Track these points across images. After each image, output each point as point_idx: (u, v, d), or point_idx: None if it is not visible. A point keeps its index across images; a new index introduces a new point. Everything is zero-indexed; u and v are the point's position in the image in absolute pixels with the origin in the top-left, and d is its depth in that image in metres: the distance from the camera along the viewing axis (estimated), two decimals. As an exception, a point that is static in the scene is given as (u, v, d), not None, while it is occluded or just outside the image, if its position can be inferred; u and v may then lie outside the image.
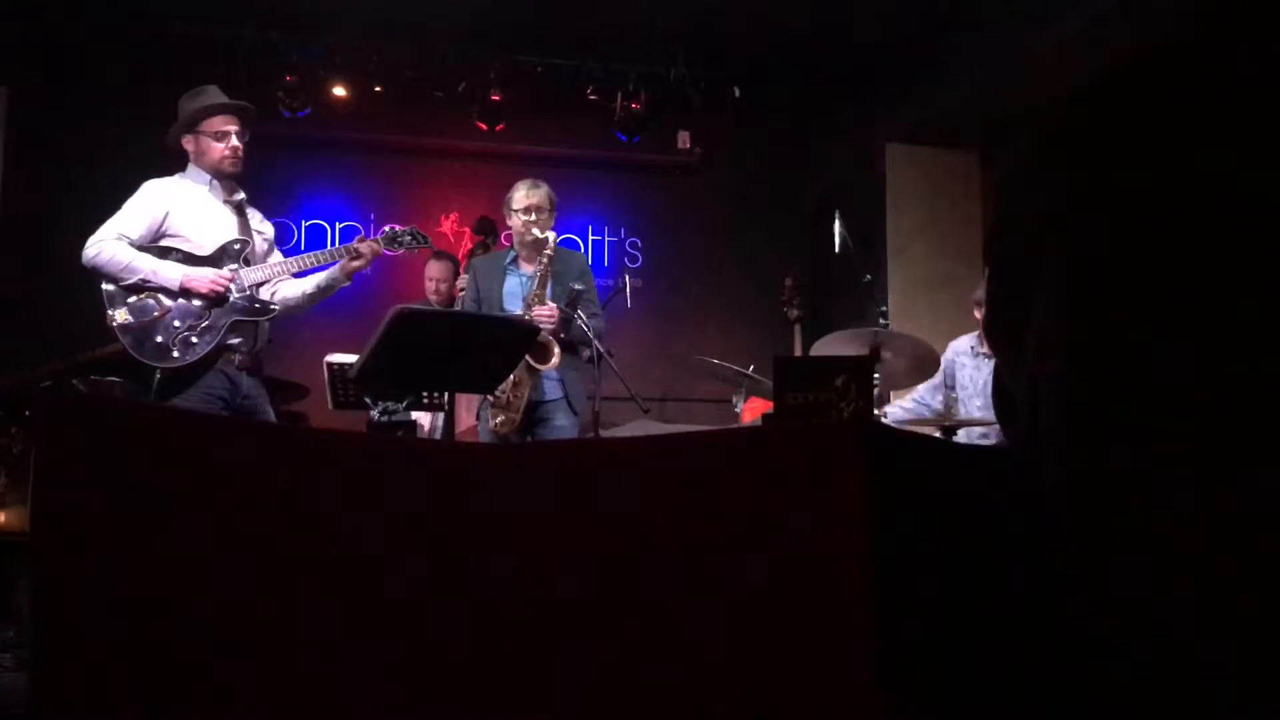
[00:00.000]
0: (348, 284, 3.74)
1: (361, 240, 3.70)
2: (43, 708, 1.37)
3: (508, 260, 4.23)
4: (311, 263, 3.72)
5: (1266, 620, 0.86)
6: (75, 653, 1.39)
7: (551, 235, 4.07)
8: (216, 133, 3.61)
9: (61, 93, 5.74)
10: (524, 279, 4.12)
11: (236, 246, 3.58)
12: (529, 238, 4.09)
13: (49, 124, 5.73)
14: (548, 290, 4.00)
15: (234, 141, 3.61)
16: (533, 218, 4.10)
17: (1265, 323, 0.87)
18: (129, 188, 3.70)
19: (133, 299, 3.41)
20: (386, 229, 3.91)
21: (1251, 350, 0.88)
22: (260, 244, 3.72)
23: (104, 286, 3.42)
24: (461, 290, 4.84)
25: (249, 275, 3.56)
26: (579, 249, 6.64)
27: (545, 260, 4.02)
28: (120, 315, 3.39)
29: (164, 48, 5.58)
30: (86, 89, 5.76)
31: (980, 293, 4.43)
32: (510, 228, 4.27)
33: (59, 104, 5.74)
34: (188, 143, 3.66)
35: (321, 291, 3.75)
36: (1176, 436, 0.90)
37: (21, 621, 3.78)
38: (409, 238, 3.85)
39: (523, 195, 4.14)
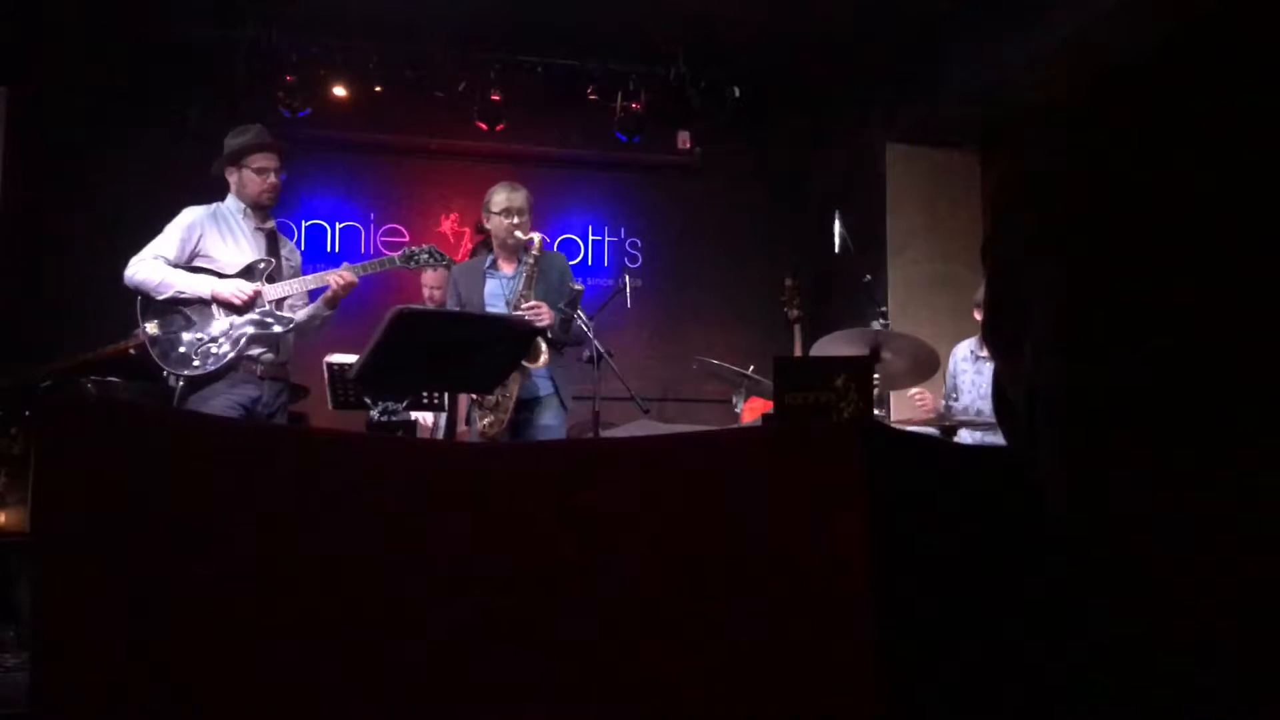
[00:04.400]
0: (331, 312, 3.97)
1: (342, 273, 3.88)
2: (44, 707, 1.37)
3: (487, 264, 4.23)
4: (315, 284, 3.93)
5: (1268, 620, 0.86)
6: (75, 653, 1.39)
7: (537, 236, 4.09)
8: (258, 168, 3.89)
9: (61, 93, 5.74)
10: (504, 280, 4.13)
11: (261, 266, 3.85)
12: (510, 240, 4.10)
13: (49, 124, 5.73)
14: (533, 291, 4.00)
15: (272, 179, 3.91)
16: (514, 220, 4.10)
17: (1266, 327, 0.87)
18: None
19: (162, 313, 3.69)
20: (405, 249, 4.09)
21: (1252, 353, 0.88)
22: (286, 270, 3.95)
23: (138, 302, 3.70)
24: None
25: (271, 291, 3.81)
26: (578, 250, 6.66)
27: (531, 261, 4.02)
28: (151, 327, 3.68)
29: (164, 48, 5.59)
30: (86, 89, 5.76)
31: (980, 295, 4.44)
32: (490, 230, 4.27)
33: (59, 104, 5.74)
34: (230, 175, 3.94)
35: (310, 321, 3.97)
36: (1175, 439, 0.90)
37: (21, 621, 3.78)
38: (426, 255, 4.03)
39: (503, 198, 4.14)
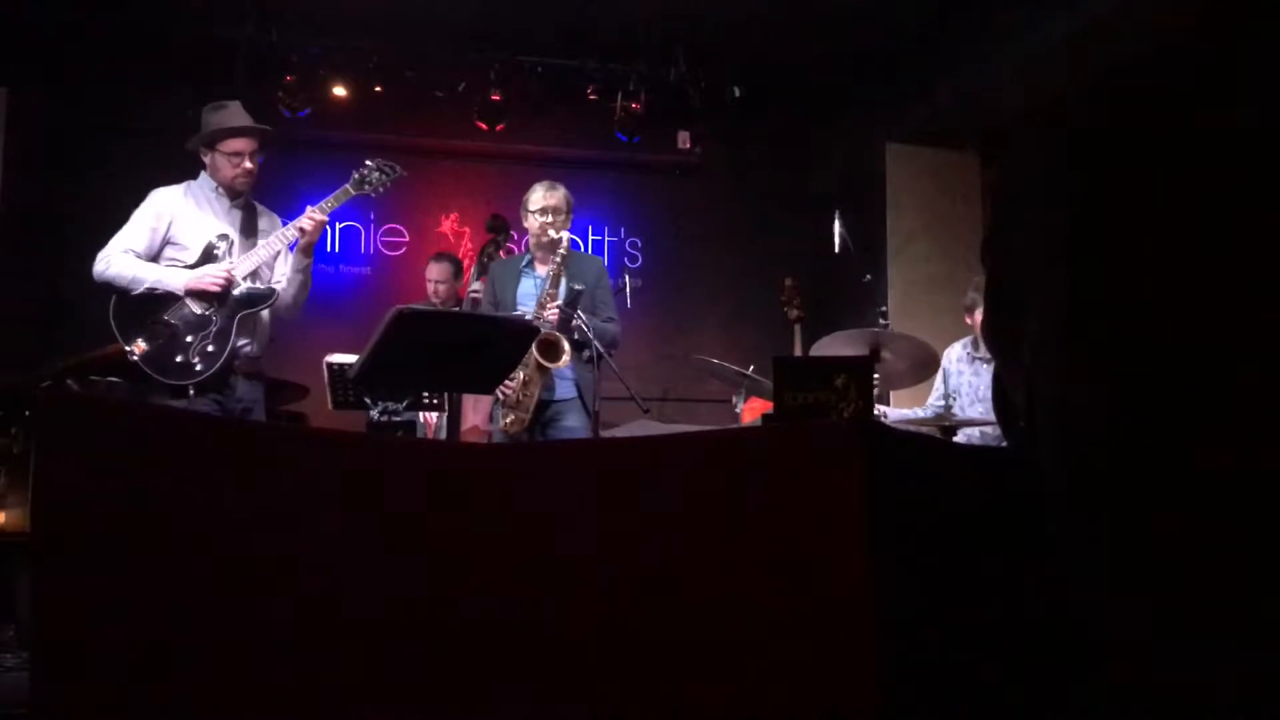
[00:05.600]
0: (309, 260, 3.73)
1: (308, 214, 3.64)
2: (43, 707, 1.37)
3: (524, 263, 4.23)
4: (282, 243, 3.68)
5: (1265, 619, 0.86)
6: (75, 653, 1.39)
7: (565, 235, 4.07)
8: (233, 154, 3.66)
9: (61, 93, 5.74)
10: (538, 280, 4.10)
11: (219, 245, 3.61)
12: (545, 239, 4.09)
13: (49, 124, 5.73)
14: (560, 290, 3.99)
15: (248, 164, 3.67)
16: (549, 219, 4.09)
17: (1265, 325, 0.87)
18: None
19: (144, 327, 3.46)
20: (355, 173, 3.81)
21: (1251, 353, 0.88)
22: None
23: (113, 320, 3.47)
24: (474, 292, 4.86)
25: (238, 269, 3.58)
26: (579, 249, 6.64)
27: (558, 260, 4.01)
28: (138, 346, 3.44)
29: (164, 48, 5.59)
30: (86, 89, 5.76)
31: (969, 298, 4.46)
32: (527, 229, 4.26)
33: (59, 104, 5.74)
34: (204, 155, 3.72)
35: (297, 274, 3.72)
36: (1174, 438, 0.90)
37: (21, 621, 3.78)
38: (378, 174, 3.79)
39: (540, 196, 4.14)
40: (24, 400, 4.06)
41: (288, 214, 6.13)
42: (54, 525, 1.40)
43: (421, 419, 4.65)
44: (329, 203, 3.73)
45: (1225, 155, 0.91)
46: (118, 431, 1.46)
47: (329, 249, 6.39)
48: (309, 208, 3.69)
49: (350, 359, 3.93)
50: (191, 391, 3.45)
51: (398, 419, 4.22)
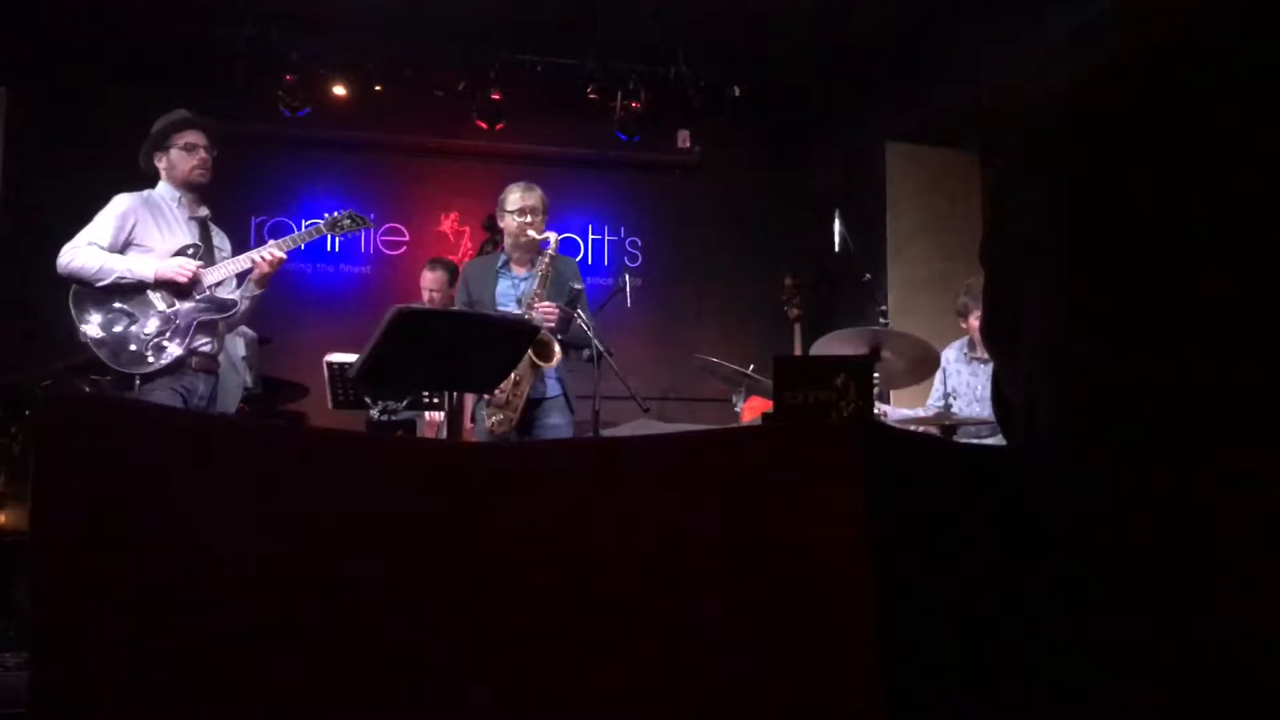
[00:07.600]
0: (260, 292, 3.80)
1: (270, 250, 3.74)
2: (43, 706, 1.37)
3: (499, 264, 4.23)
4: (245, 263, 3.78)
5: (1266, 621, 0.86)
6: (75, 652, 1.39)
7: (553, 236, 4.08)
8: (186, 145, 3.76)
9: (61, 93, 5.74)
10: (516, 281, 4.12)
11: (190, 251, 3.70)
12: (524, 239, 4.10)
13: (49, 124, 5.73)
14: (559, 291, 4.00)
15: (203, 154, 3.77)
16: (529, 219, 4.11)
17: (1265, 327, 0.87)
18: (128, 188, 3.73)
19: (101, 312, 3.52)
20: (327, 215, 3.98)
21: (1251, 354, 0.88)
22: (219, 259, 3.82)
23: (71, 303, 3.52)
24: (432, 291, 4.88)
25: (208, 276, 3.68)
26: (578, 249, 6.66)
27: (547, 260, 4.02)
28: (92, 330, 3.50)
29: (164, 48, 5.59)
30: (86, 89, 5.76)
31: (960, 302, 4.47)
32: (504, 229, 4.27)
33: (59, 104, 5.74)
34: (159, 160, 3.80)
35: (247, 299, 3.80)
36: (1175, 437, 0.90)
37: (21, 621, 3.78)
38: (348, 220, 3.96)
39: (518, 197, 4.15)
40: (24, 400, 4.06)
41: (287, 213, 6.19)
42: (54, 525, 1.40)
43: (426, 418, 4.66)
44: (300, 237, 3.88)
45: (1226, 153, 0.91)
46: (117, 431, 1.46)
47: (329, 249, 6.39)
48: (271, 242, 3.80)
49: (350, 359, 3.93)
50: (139, 382, 3.51)
51: (398, 419, 4.22)
